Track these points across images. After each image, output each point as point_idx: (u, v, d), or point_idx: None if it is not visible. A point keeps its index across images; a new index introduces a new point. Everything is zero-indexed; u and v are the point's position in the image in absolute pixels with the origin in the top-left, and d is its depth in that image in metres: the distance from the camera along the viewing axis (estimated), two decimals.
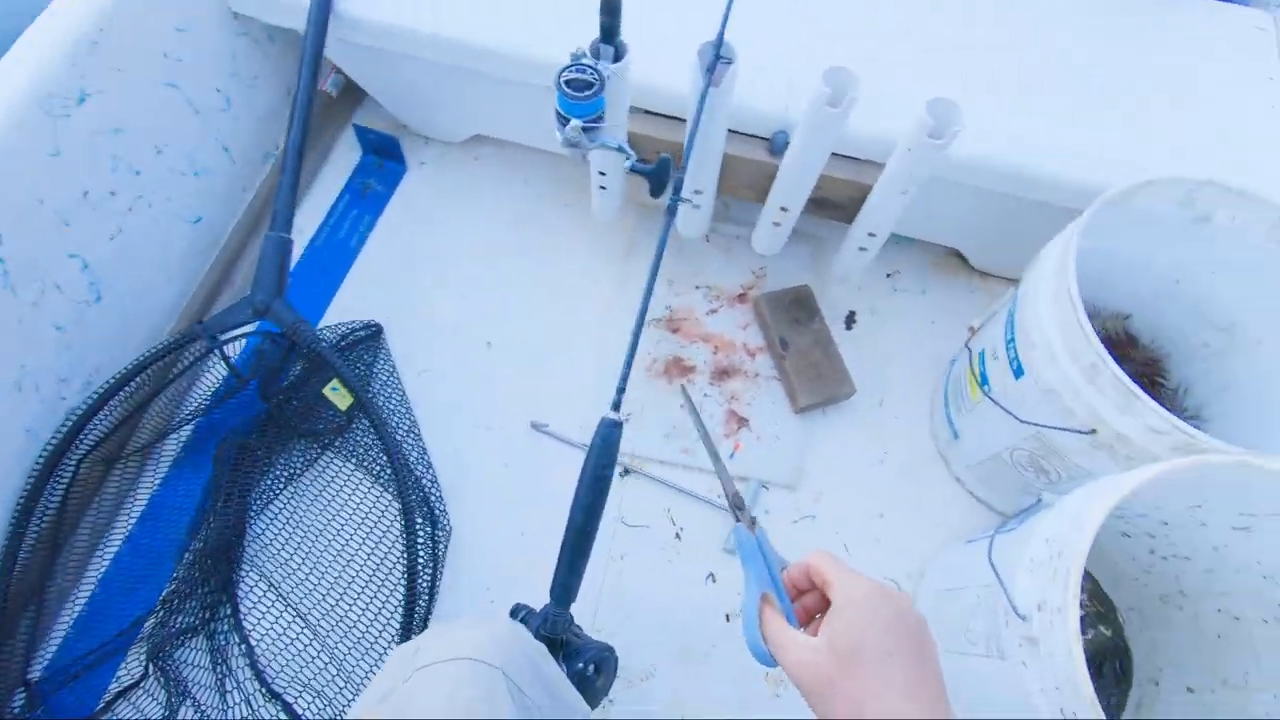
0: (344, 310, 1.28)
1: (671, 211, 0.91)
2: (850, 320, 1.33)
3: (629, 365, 0.86)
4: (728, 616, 1.09)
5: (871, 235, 1.13)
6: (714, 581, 1.11)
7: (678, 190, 0.92)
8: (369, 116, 1.48)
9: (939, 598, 1.02)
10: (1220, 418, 1.04)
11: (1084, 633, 1.06)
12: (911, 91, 0.94)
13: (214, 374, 1.19)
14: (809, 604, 0.54)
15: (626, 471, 1.18)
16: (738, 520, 0.62)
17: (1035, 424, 0.93)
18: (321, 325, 1.26)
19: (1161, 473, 0.71)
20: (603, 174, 1.16)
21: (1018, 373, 0.95)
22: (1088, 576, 1.10)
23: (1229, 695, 0.89)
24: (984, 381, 1.04)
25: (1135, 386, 0.78)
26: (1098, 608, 1.09)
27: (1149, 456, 0.82)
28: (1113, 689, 1.03)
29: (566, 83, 0.83)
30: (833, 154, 1.08)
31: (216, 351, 1.11)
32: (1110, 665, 1.05)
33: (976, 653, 0.87)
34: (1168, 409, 1.08)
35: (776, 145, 1.10)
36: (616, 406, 0.86)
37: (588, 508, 0.85)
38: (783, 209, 1.13)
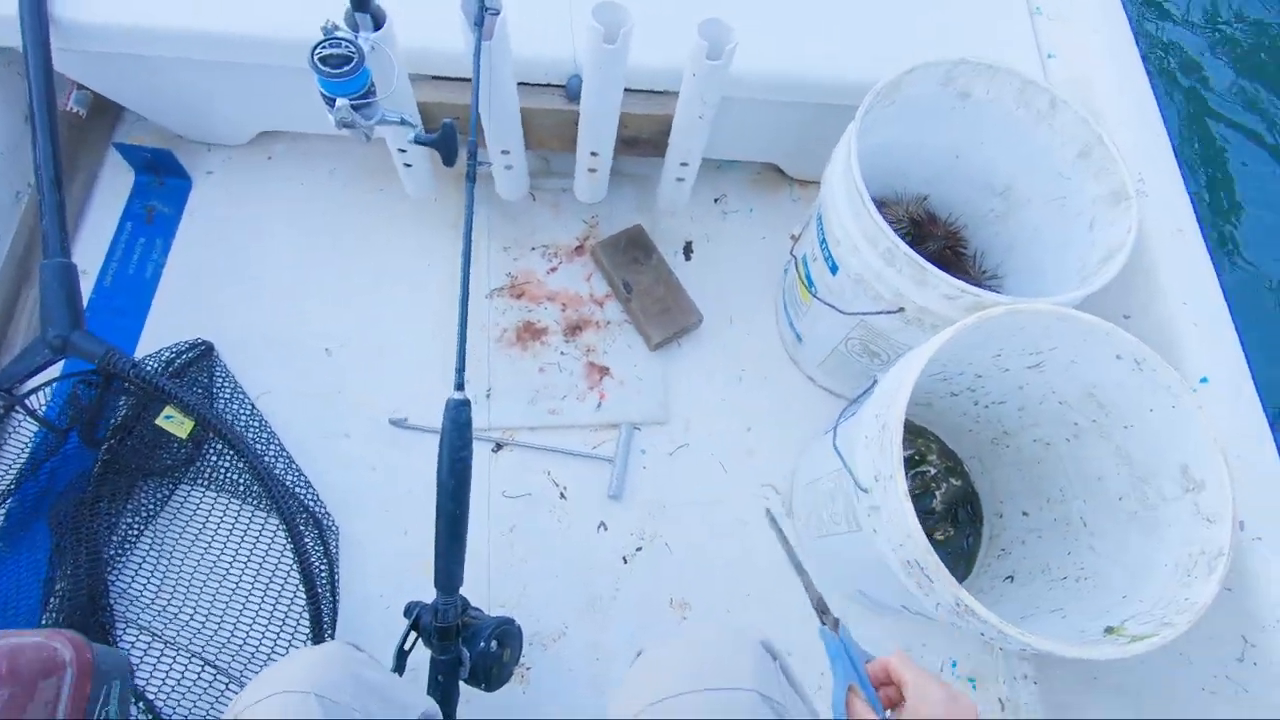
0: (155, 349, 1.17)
1: (471, 177, 0.88)
2: (688, 250, 1.36)
3: (463, 341, 0.85)
4: (624, 559, 1.12)
5: (684, 164, 1.15)
6: (605, 529, 1.14)
7: (474, 155, 0.89)
8: (133, 132, 1.33)
9: (806, 490, 1.09)
10: (1014, 273, 1.16)
11: (939, 486, 1.18)
12: (688, 17, 0.95)
13: (23, 434, 1.06)
14: (889, 695, 0.60)
15: (499, 446, 1.17)
16: (823, 624, 0.65)
17: (856, 313, 1.00)
18: (139, 357, 1.14)
19: (954, 333, 0.79)
20: (402, 150, 1.10)
21: (833, 269, 1.01)
22: (933, 437, 1.22)
23: (1053, 510, 1.02)
24: (810, 283, 1.10)
25: (925, 262, 0.86)
26: (946, 463, 1.21)
27: (951, 322, 0.91)
28: (969, 528, 1.16)
29: (321, 60, 0.78)
30: (630, 90, 1.08)
31: (19, 408, 0.99)
32: (963, 509, 1.17)
33: (840, 531, 0.95)
34: (970, 274, 1.20)
35: (572, 90, 1.08)
36: (460, 386, 0.85)
37: (453, 492, 0.84)
38: (593, 154, 1.13)
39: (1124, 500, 0.89)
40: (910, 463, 1.20)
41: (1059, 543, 0.99)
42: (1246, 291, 1.86)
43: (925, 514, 1.15)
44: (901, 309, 0.92)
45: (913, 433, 1.22)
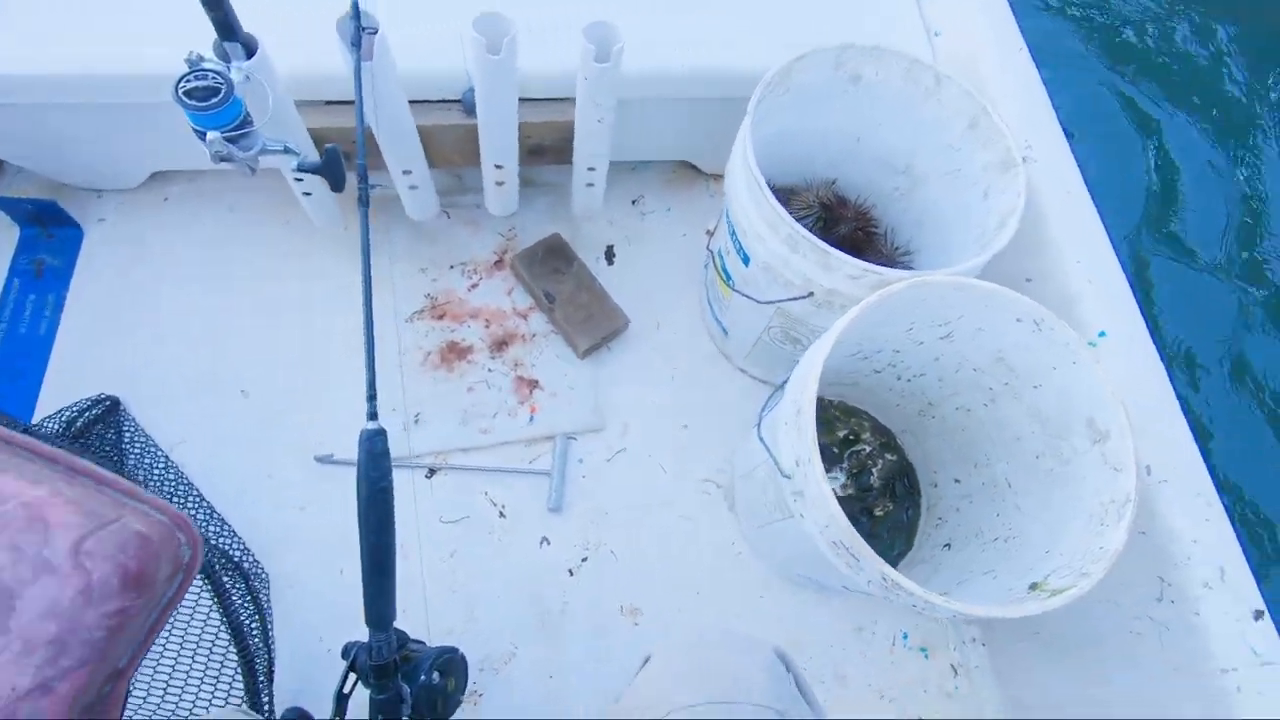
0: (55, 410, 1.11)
1: (363, 201, 0.86)
2: (609, 254, 1.36)
3: (372, 370, 0.82)
4: (570, 571, 1.11)
5: (592, 169, 1.15)
6: (548, 544, 1.12)
7: (364, 178, 0.87)
8: (15, 184, 1.26)
9: (743, 483, 1.10)
10: (925, 248, 1.19)
11: (875, 462, 1.19)
12: (577, 21, 0.95)
13: None
14: None
15: (432, 471, 1.15)
16: None
17: (771, 301, 1.00)
18: (37, 420, 1.08)
19: (859, 312, 0.80)
20: (299, 179, 1.07)
21: (746, 260, 1.02)
22: (865, 415, 1.24)
23: (980, 474, 1.04)
24: (728, 276, 1.11)
25: (826, 246, 0.87)
26: (880, 439, 1.23)
27: (858, 301, 0.92)
28: (907, 501, 1.18)
29: (187, 94, 0.75)
30: (528, 99, 1.07)
31: None
32: (900, 482, 1.19)
33: (775, 519, 0.95)
34: (883, 253, 1.22)
35: (468, 104, 1.07)
36: (373, 416, 0.82)
37: (375, 525, 0.82)
38: (498, 166, 1.11)
39: (1041, 459, 0.92)
40: (845, 442, 1.22)
41: (988, 505, 1.02)
42: (1138, 248, 1.95)
43: (864, 490, 1.17)
44: (811, 293, 0.93)
45: (846, 413, 1.24)
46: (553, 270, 1.27)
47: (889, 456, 1.21)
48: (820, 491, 0.73)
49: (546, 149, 1.17)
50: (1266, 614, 0.79)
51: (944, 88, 1.01)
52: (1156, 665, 0.83)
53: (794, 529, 0.88)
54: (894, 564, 1.02)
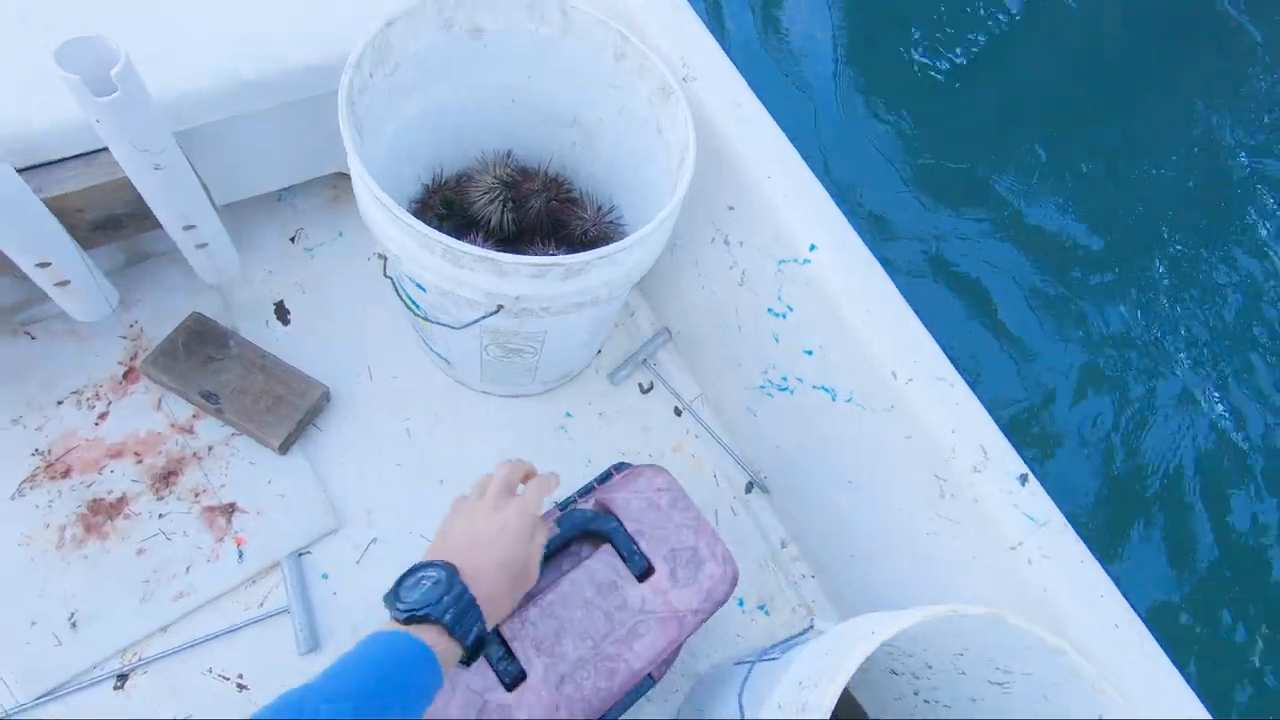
0: None
1: None
2: (281, 313, 1.09)
3: None
4: None
5: (190, 227, 0.88)
6: None
7: None
8: None
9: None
10: (628, 202, 1.07)
11: None
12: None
13: None
14: None
15: (122, 679, 0.86)
16: None
17: (466, 325, 0.83)
18: None
19: (918, 621, 0.58)
20: None
21: (420, 285, 0.82)
22: (856, 705, 0.96)
23: None
24: (415, 306, 0.91)
25: (486, 251, 0.70)
26: None
27: (566, 302, 0.77)
28: None
29: None
30: (59, 159, 0.78)
31: None
32: None
33: None
34: (589, 217, 1.08)
35: None
36: None
37: None
38: (41, 265, 0.81)
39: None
40: None
41: None
42: (831, 150, 2.02)
43: None
44: (500, 306, 0.77)
45: None
46: (205, 360, 0.98)
47: None
48: None
49: (122, 219, 0.87)
50: (1030, 474, 0.79)
51: (573, 20, 0.87)
52: (958, 560, 0.82)
53: None
54: None
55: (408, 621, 0.53)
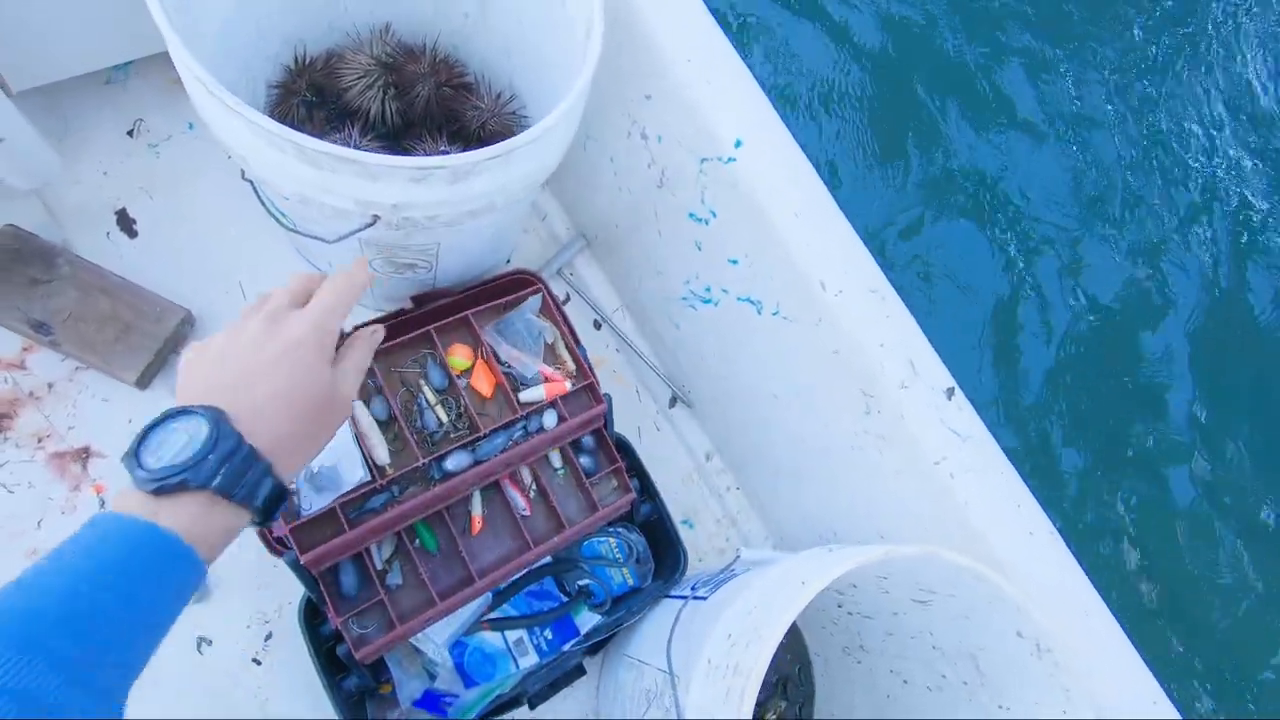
0: None
1: None
2: (126, 223, 0.93)
3: None
4: (257, 660, 0.84)
5: None
6: (210, 644, 0.83)
7: None
8: None
9: (626, 667, 0.83)
10: (528, 88, 0.93)
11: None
12: None
13: None
14: None
15: None
16: None
17: (340, 238, 0.70)
18: None
19: (850, 569, 0.57)
20: None
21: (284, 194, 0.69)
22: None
23: None
24: (281, 215, 0.78)
25: (353, 152, 0.58)
26: (791, 654, 0.98)
27: (451, 209, 0.66)
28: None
29: None
30: None
31: None
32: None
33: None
34: (486, 105, 0.94)
35: None
36: None
37: None
38: None
39: None
40: None
41: None
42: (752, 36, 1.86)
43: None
44: (376, 216, 0.65)
45: None
46: (29, 283, 0.83)
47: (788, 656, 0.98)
48: None
49: None
50: (957, 388, 0.77)
51: None
52: (883, 476, 0.80)
53: None
54: None
55: (158, 493, 0.39)
